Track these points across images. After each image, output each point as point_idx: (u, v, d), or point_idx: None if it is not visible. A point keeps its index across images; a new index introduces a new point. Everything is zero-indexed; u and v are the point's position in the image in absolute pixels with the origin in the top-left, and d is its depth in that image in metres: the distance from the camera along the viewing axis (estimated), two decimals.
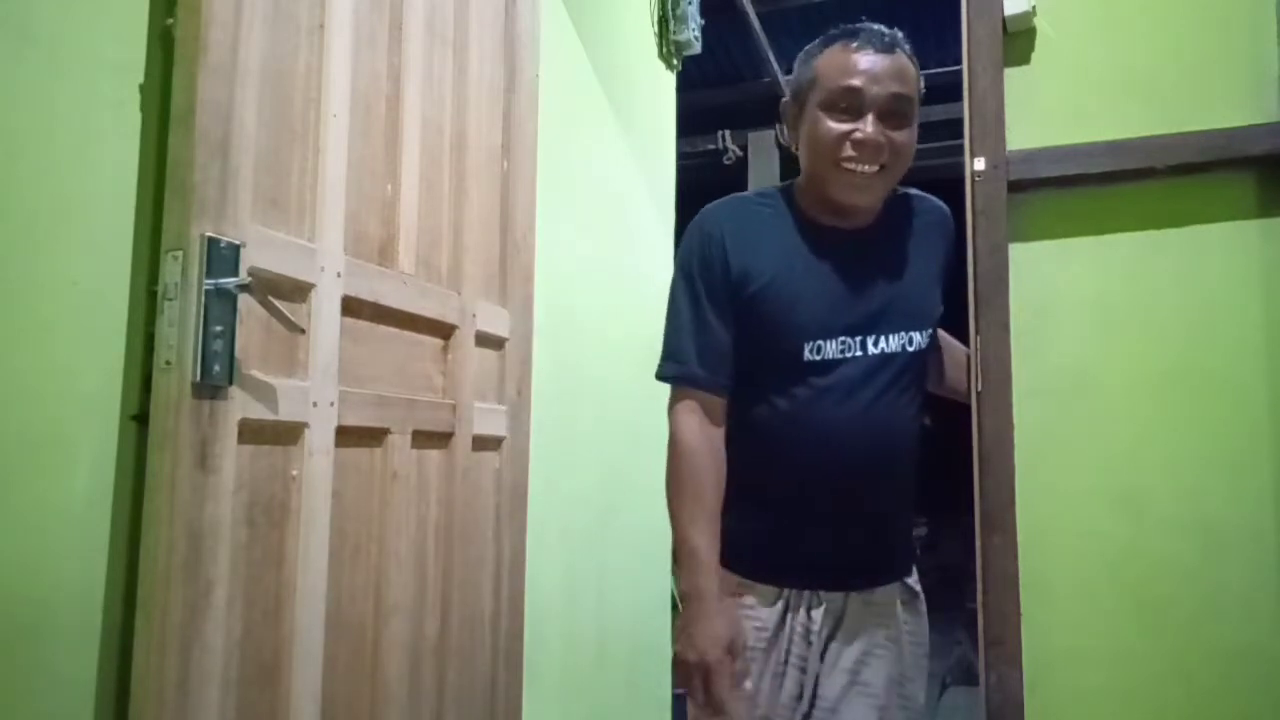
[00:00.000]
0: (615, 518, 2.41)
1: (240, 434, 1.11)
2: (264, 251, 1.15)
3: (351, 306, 1.32)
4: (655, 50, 3.05)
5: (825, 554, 1.35)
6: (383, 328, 1.42)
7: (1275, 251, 1.44)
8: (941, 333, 1.51)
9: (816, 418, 1.32)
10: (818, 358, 1.32)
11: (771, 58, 4.53)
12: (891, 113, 1.30)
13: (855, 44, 1.31)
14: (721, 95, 5.05)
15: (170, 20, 1.10)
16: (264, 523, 1.16)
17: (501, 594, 1.71)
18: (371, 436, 1.37)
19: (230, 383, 1.09)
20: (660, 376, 1.38)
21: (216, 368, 1.06)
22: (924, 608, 1.45)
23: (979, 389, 1.47)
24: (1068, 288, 1.51)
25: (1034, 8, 1.51)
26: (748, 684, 1.29)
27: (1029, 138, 1.52)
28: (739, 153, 5.37)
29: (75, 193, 1.04)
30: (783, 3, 4.33)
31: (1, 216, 0.97)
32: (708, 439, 1.34)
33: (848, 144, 1.29)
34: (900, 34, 1.36)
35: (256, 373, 1.15)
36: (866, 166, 1.29)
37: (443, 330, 1.56)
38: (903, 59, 1.33)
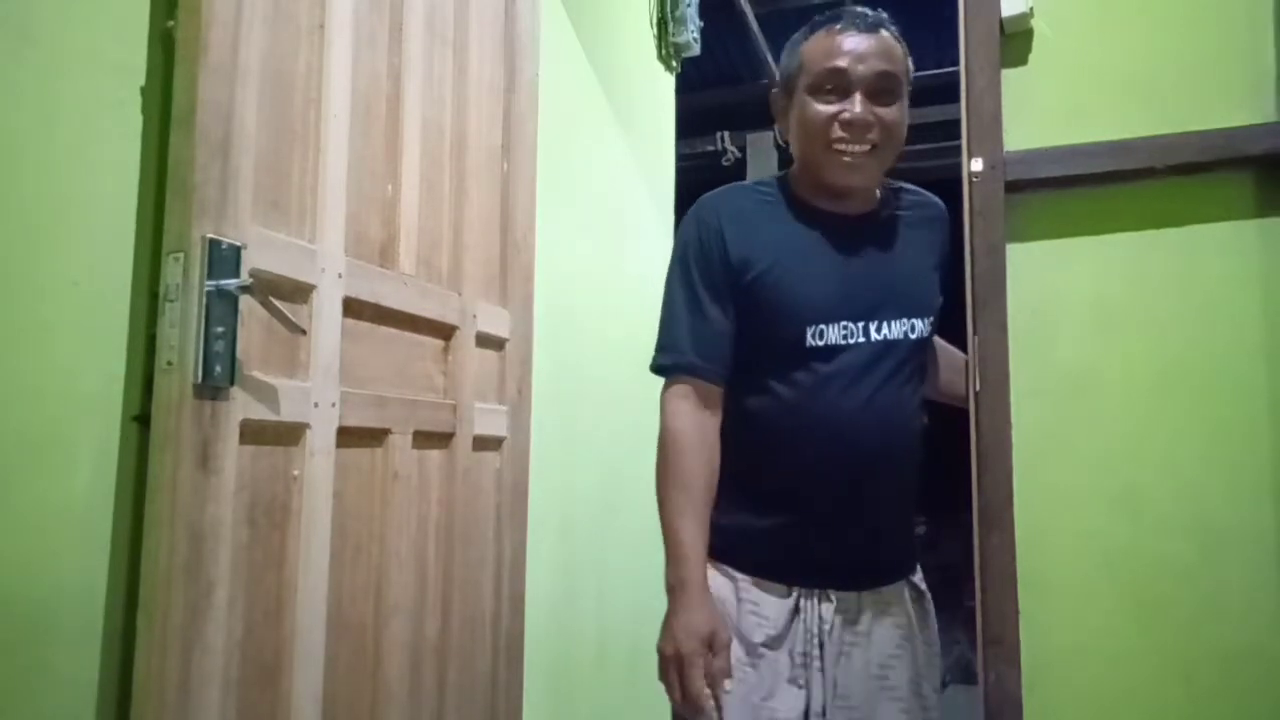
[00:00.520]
0: (615, 518, 2.41)
1: (241, 435, 1.11)
2: (265, 253, 1.15)
3: (352, 307, 1.33)
4: (655, 52, 3.06)
5: (833, 550, 1.32)
6: (383, 328, 1.42)
7: (1274, 251, 1.44)
8: (937, 339, 1.51)
9: (821, 406, 1.29)
10: (820, 343, 1.30)
11: (770, 59, 4.54)
12: (879, 91, 1.29)
13: (839, 26, 1.31)
14: (720, 96, 5.06)
15: (171, 21, 1.11)
16: (265, 523, 1.16)
17: (502, 594, 1.71)
18: (372, 437, 1.37)
19: (231, 383, 1.09)
20: (655, 368, 1.36)
21: (218, 369, 1.06)
22: (932, 607, 1.44)
23: (977, 389, 1.47)
24: (1066, 288, 1.52)
25: (1031, 8, 1.52)
26: (729, 684, 1.24)
27: (1026, 138, 1.52)
28: (738, 154, 5.38)
29: (76, 193, 1.04)
30: (781, 4, 4.34)
31: (2, 216, 0.97)
32: (700, 427, 1.31)
33: (836, 125, 1.29)
34: (885, 15, 1.36)
35: (258, 374, 1.15)
36: (857, 146, 1.29)
37: (443, 331, 1.56)
38: (887, 38, 1.32)
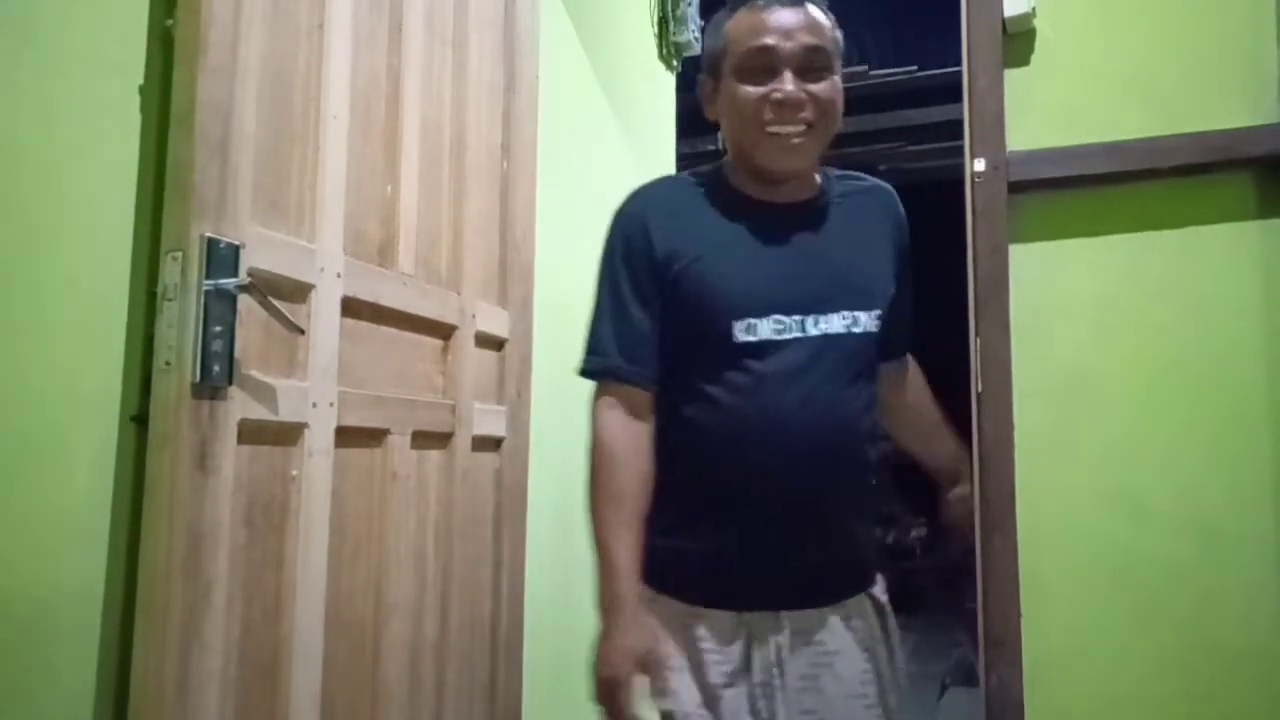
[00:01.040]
0: None
1: (240, 434, 1.11)
2: (263, 252, 1.15)
3: (351, 307, 1.32)
4: (655, 51, 3.06)
5: (782, 567, 1.21)
6: (382, 328, 1.42)
7: (1274, 252, 1.44)
8: (924, 402, 1.43)
9: (756, 408, 1.19)
10: (752, 338, 1.20)
11: None
12: (809, 67, 1.21)
13: (762, 2, 1.23)
14: None
15: (170, 21, 1.10)
16: (263, 523, 1.16)
17: (501, 594, 1.71)
18: (371, 437, 1.37)
19: (230, 383, 1.09)
20: (581, 371, 1.28)
21: (216, 368, 1.06)
22: (894, 621, 1.33)
23: (979, 390, 1.47)
24: (1068, 289, 1.51)
25: (1034, 9, 1.51)
26: (666, 703, 1.17)
27: (1029, 139, 1.52)
28: None
29: (75, 193, 1.04)
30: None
31: (1, 216, 0.97)
32: (630, 437, 1.23)
33: (767, 106, 1.21)
34: None
35: (256, 373, 1.15)
36: (791, 127, 1.21)
37: (442, 331, 1.56)
38: (813, 11, 1.24)
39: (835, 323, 1.22)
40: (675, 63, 3.16)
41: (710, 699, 1.20)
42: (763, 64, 1.21)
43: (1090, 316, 1.51)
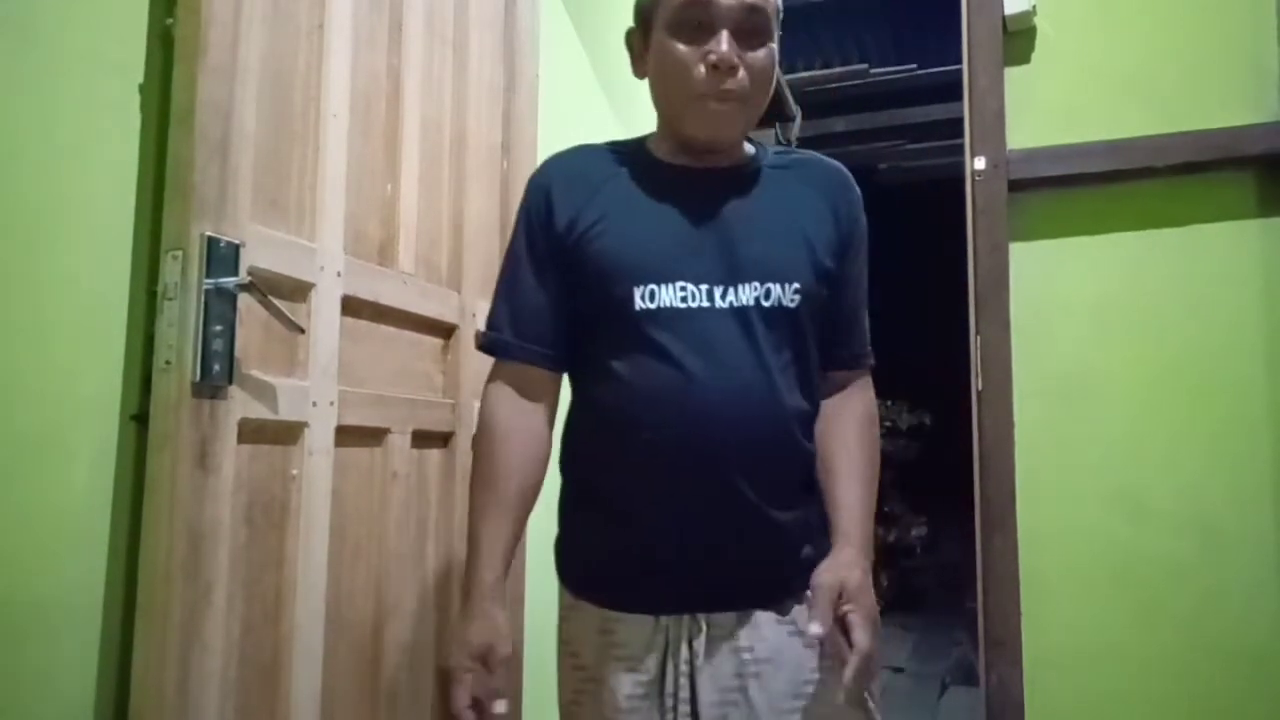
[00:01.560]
0: None
1: (240, 434, 1.11)
2: (264, 251, 1.15)
3: (351, 306, 1.32)
4: None
5: (703, 565, 1.10)
6: (383, 327, 1.42)
7: (1274, 250, 1.44)
8: (851, 441, 1.19)
9: (662, 385, 1.08)
10: (652, 305, 1.10)
11: None
12: (748, 30, 1.10)
13: None
14: None
15: (170, 20, 1.10)
16: (264, 522, 1.16)
17: None
18: (371, 436, 1.37)
19: (230, 382, 1.09)
20: (477, 346, 1.24)
21: (216, 367, 1.06)
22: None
23: (980, 388, 1.47)
24: (1068, 287, 1.51)
25: (1034, 7, 1.51)
26: (500, 707, 1.06)
27: (1029, 137, 1.52)
28: None
29: (75, 193, 1.04)
30: (782, 2, 4.33)
31: (2, 216, 0.97)
32: (516, 416, 1.16)
33: (701, 67, 1.10)
34: None
35: (256, 372, 1.15)
36: (722, 102, 1.11)
37: (442, 329, 1.56)
38: None
39: (745, 293, 1.11)
40: None
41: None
42: (698, 19, 1.10)
43: (1090, 314, 1.51)
